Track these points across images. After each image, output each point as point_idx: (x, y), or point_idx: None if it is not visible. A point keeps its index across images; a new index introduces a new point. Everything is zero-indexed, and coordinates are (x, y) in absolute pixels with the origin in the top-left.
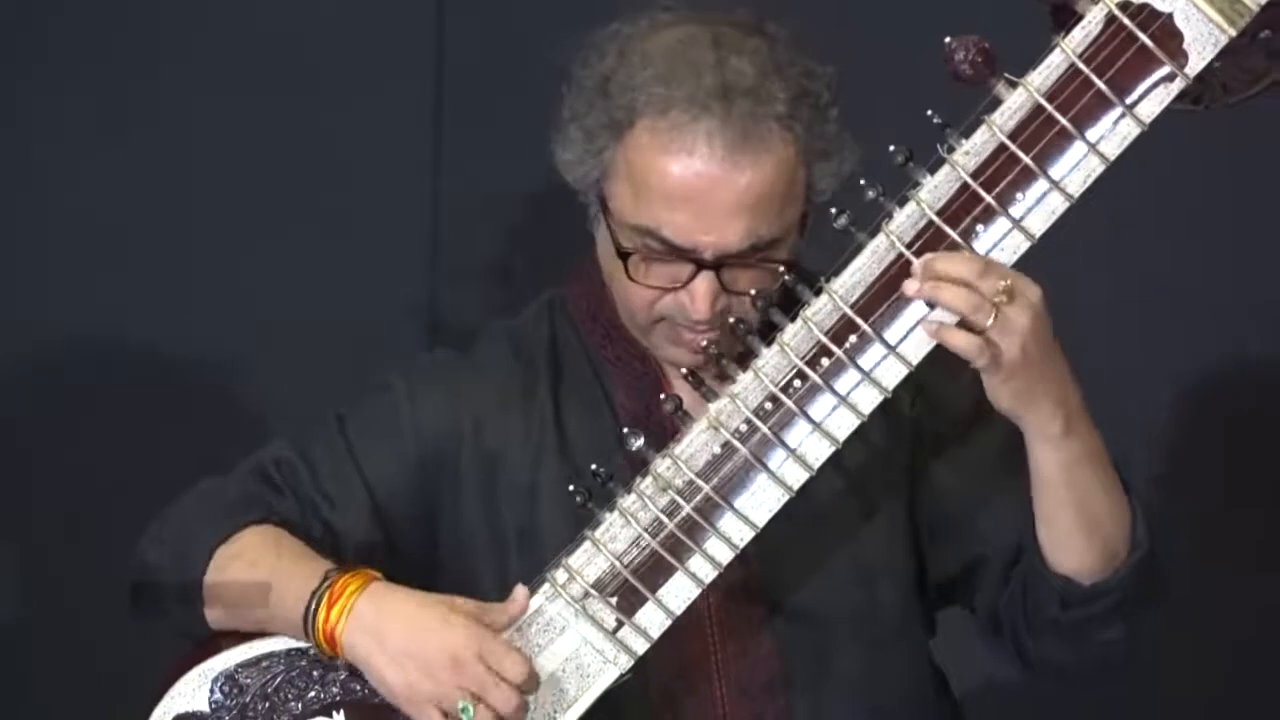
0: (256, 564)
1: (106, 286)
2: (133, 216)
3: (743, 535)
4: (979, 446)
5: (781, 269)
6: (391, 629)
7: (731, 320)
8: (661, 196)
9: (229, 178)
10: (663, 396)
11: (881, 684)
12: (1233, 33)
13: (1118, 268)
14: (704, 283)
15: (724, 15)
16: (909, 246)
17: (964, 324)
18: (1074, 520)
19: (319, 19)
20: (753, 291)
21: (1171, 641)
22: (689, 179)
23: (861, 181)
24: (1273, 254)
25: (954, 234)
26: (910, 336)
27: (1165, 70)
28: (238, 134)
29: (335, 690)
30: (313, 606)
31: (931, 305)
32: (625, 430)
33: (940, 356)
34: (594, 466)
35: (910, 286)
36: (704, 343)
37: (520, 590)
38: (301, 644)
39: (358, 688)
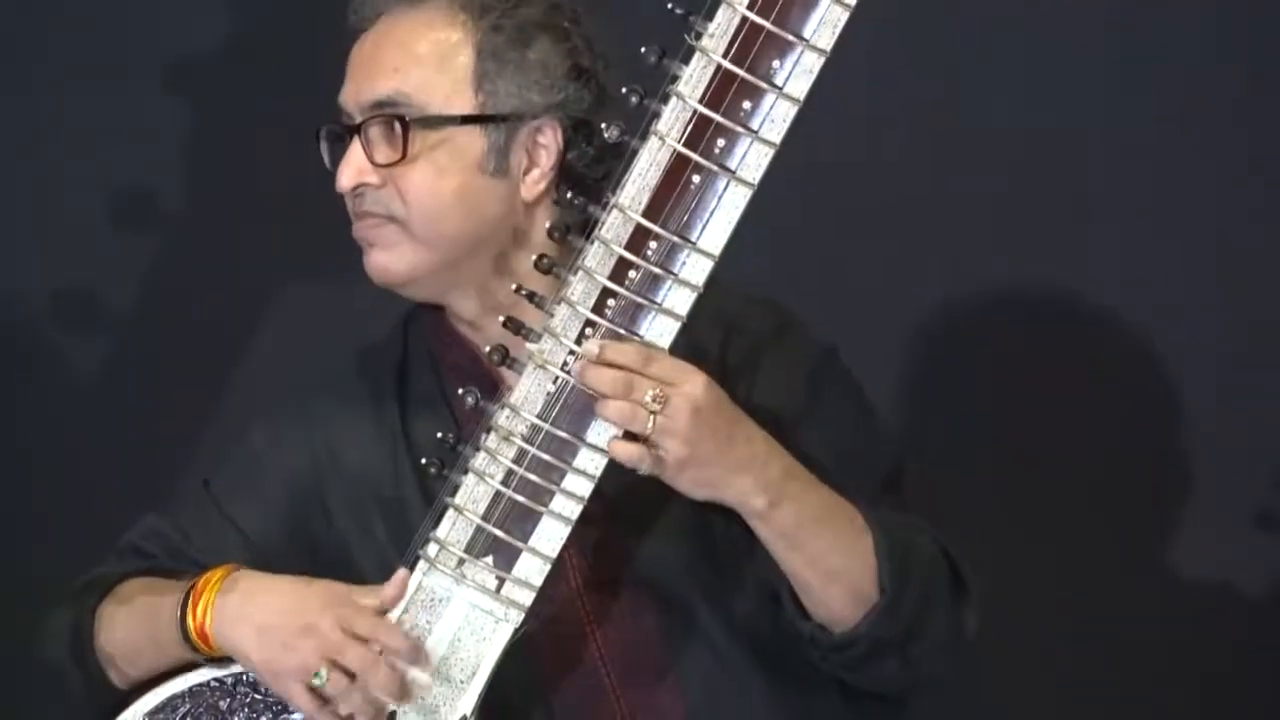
0: (133, 602)
1: (105, 286)
2: (129, 219)
3: (597, 464)
4: (798, 451)
5: (402, 129)
6: (254, 608)
7: (535, 256)
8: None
9: (226, 178)
10: (488, 349)
11: (768, 653)
12: None
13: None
14: (351, 147)
15: None
16: (680, 141)
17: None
18: (810, 578)
19: (319, 19)
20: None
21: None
22: (357, 42)
23: (623, 89)
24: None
25: (718, 117)
26: (706, 230)
27: None
28: (236, 134)
29: (244, 718)
30: (180, 612)
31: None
32: (460, 390)
33: (776, 344)
34: (439, 434)
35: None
36: (365, 230)
37: (399, 573)
38: (202, 678)
39: (264, 709)
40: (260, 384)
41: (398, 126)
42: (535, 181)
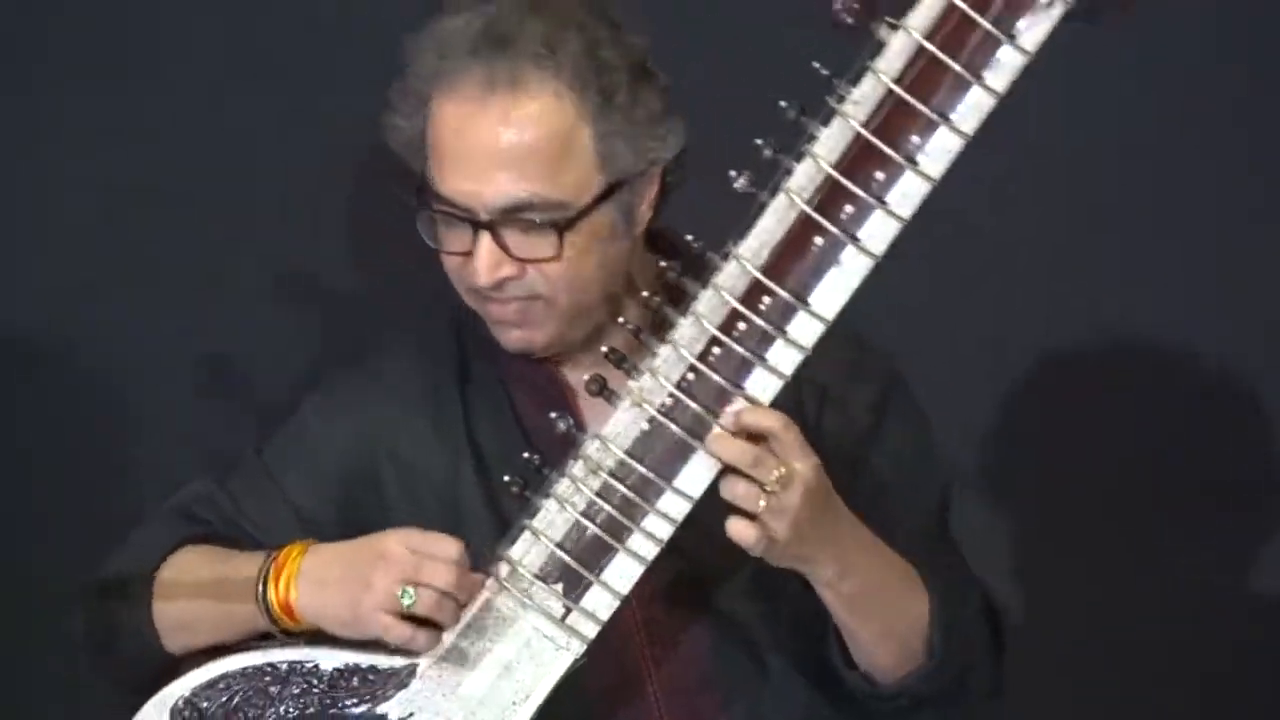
0: (200, 571)
1: (106, 287)
2: (129, 219)
3: (680, 509)
4: (861, 477)
5: (557, 234)
6: (332, 569)
7: (645, 294)
8: (438, 153)
9: (226, 178)
10: (587, 378)
11: (819, 680)
12: None
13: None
14: (481, 245)
15: None
16: (809, 202)
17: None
18: (865, 637)
19: (319, 19)
20: (534, 257)
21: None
22: (454, 126)
23: (757, 141)
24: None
25: (850, 184)
26: (823, 292)
27: None
28: (236, 134)
29: (293, 705)
30: (261, 587)
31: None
32: (553, 414)
33: (847, 367)
34: (526, 454)
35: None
36: (507, 314)
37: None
38: (256, 661)
39: (315, 701)
40: (261, 384)
41: (538, 224)
42: (644, 215)
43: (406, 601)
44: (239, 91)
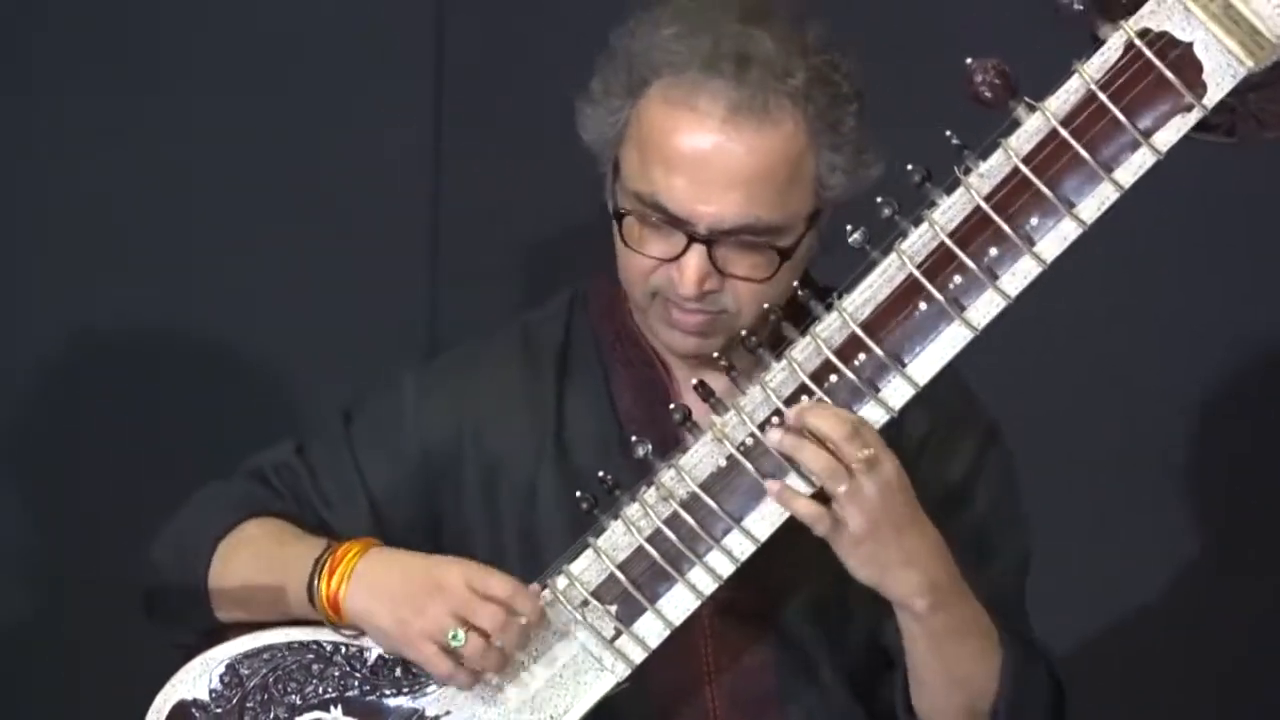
0: (260, 548)
1: (106, 290)
2: (130, 220)
3: (744, 549)
4: (945, 532)
5: (779, 258)
6: (388, 580)
7: (743, 334)
8: (662, 159)
9: (227, 179)
10: (672, 406)
11: (869, 705)
12: (1251, 65)
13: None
14: (694, 257)
15: None
16: (919, 266)
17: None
18: (936, 681)
19: (319, 19)
20: (742, 274)
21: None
22: (690, 141)
23: (879, 199)
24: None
25: (963, 255)
26: (919, 357)
27: (1183, 100)
28: (236, 135)
29: (332, 686)
30: (314, 577)
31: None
32: (633, 439)
33: (951, 419)
34: (601, 474)
35: (774, 436)
36: (693, 324)
37: (533, 586)
38: (303, 637)
39: (355, 685)
40: (261, 384)
41: (754, 244)
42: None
43: (455, 643)
44: (239, 91)
